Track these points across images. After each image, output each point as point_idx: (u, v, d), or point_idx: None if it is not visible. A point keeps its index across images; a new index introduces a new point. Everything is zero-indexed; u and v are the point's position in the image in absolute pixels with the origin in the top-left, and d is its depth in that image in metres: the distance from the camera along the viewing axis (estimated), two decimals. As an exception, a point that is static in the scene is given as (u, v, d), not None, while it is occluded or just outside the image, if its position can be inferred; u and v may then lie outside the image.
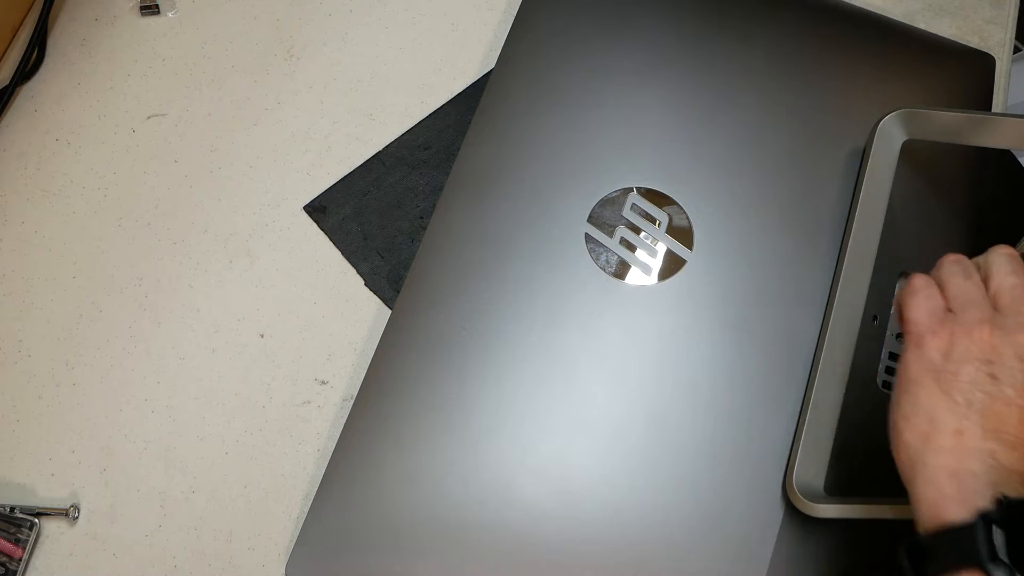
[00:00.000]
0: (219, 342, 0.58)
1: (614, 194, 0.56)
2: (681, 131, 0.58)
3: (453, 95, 0.64)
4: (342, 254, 0.60)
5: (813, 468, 0.50)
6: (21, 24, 0.65)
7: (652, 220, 0.56)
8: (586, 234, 0.55)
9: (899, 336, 0.55)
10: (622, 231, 0.56)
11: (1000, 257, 0.42)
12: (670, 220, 0.56)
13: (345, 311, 0.59)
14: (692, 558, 0.50)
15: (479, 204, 0.56)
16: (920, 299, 0.42)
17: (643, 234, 0.56)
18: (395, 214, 0.61)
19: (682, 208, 0.56)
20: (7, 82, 0.62)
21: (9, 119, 0.63)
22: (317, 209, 0.61)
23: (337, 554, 0.50)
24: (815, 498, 0.48)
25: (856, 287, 0.53)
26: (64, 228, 0.61)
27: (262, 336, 0.58)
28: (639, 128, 0.58)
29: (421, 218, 0.61)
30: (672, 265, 0.55)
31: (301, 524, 0.52)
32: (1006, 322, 0.39)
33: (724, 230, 0.56)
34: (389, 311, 0.58)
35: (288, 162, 0.63)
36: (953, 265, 0.43)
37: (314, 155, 0.63)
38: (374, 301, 0.59)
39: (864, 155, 0.56)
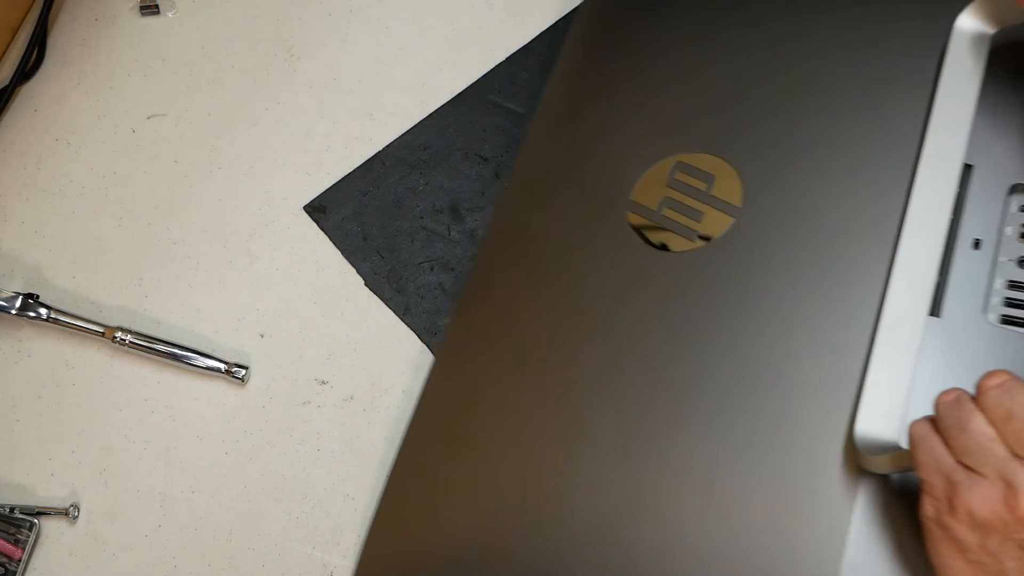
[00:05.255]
0: (219, 342, 0.58)
1: (658, 163, 0.52)
2: (722, 79, 0.53)
3: (454, 95, 0.64)
4: (342, 254, 0.60)
5: (881, 420, 0.43)
6: (21, 24, 0.66)
7: (700, 181, 0.51)
8: (629, 213, 0.52)
9: (1022, 261, 0.47)
10: (668, 201, 0.52)
11: (996, 392, 0.36)
12: (715, 180, 0.51)
13: (345, 311, 0.59)
14: (762, 546, 0.44)
15: (538, 205, 0.54)
16: (923, 455, 0.37)
17: (690, 198, 0.51)
18: (395, 214, 0.61)
19: (729, 163, 0.51)
20: (7, 82, 0.62)
21: (9, 119, 0.63)
22: (317, 209, 0.61)
23: None
24: (879, 451, 0.41)
25: (938, 207, 0.45)
26: (64, 228, 0.61)
27: (262, 336, 0.58)
28: (681, 85, 0.54)
29: (421, 218, 0.61)
30: (719, 223, 0.50)
31: (301, 524, 0.52)
32: None
33: (776, 178, 0.50)
34: (389, 311, 0.58)
35: (288, 162, 0.63)
36: (949, 408, 0.37)
37: (314, 155, 0.63)
38: (374, 301, 0.59)
39: (941, 61, 0.46)
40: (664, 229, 0.51)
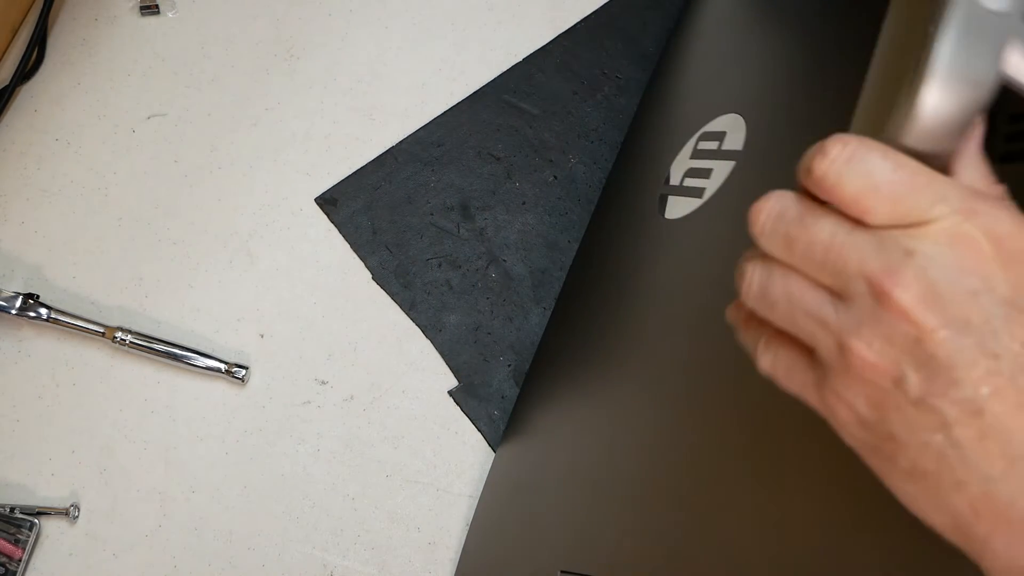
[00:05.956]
0: (219, 342, 0.58)
1: (688, 141, 0.53)
2: (738, 56, 0.54)
3: (455, 97, 0.64)
4: (351, 247, 0.60)
5: None
6: (21, 24, 0.65)
7: (715, 141, 0.51)
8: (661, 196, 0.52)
9: None
10: (690, 172, 0.51)
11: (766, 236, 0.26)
12: (726, 136, 0.50)
13: (345, 311, 0.59)
14: None
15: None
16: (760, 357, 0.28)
17: (705, 160, 0.51)
18: (405, 209, 0.61)
19: (740, 115, 0.50)
20: (7, 82, 0.62)
21: (9, 119, 0.63)
22: (328, 201, 0.61)
23: None
24: None
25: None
26: (64, 228, 0.61)
27: (262, 336, 0.58)
28: (711, 71, 0.55)
29: (431, 215, 0.61)
30: (723, 172, 0.48)
31: (301, 524, 0.52)
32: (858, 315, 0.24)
33: (773, 117, 0.48)
34: (390, 310, 0.58)
35: (288, 162, 0.63)
36: (747, 285, 0.27)
37: (314, 155, 0.63)
38: (374, 301, 0.59)
39: None
40: (680, 196, 0.50)
